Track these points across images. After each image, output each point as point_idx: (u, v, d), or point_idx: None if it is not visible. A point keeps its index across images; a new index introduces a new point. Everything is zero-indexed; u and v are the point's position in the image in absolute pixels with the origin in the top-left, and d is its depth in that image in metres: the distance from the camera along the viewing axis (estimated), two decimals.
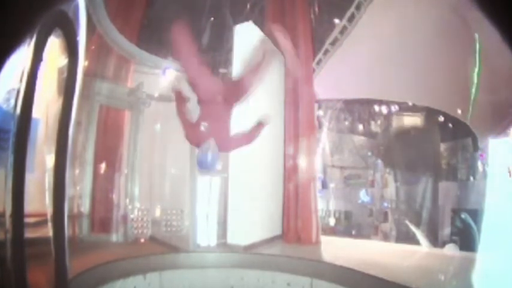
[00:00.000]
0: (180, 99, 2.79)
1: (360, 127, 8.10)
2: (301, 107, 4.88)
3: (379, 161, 7.81)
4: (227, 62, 5.61)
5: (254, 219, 4.29)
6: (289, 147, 4.92)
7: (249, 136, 2.84)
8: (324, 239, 4.94)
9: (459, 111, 5.52)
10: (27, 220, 2.10)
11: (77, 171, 4.02)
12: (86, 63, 3.33)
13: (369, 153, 8.16)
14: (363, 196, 7.83)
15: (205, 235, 4.16)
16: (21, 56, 1.92)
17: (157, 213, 4.85)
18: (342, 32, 5.15)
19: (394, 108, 7.82)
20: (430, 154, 7.47)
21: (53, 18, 2.05)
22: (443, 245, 5.63)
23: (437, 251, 5.27)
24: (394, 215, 7.33)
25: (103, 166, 4.32)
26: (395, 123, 7.98)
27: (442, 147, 7.52)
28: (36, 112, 2.40)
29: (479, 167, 5.87)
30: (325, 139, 7.36)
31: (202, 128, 2.55)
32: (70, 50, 2.37)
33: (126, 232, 4.37)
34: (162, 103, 5.33)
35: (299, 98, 4.87)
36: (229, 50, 4.96)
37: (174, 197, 4.96)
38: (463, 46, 4.23)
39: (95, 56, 4.09)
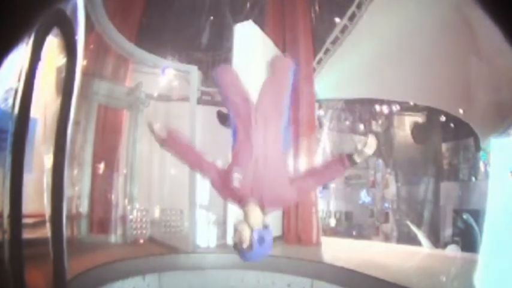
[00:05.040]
0: (175, 140, 1.75)
1: (361, 127, 8.07)
2: (301, 106, 4.86)
3: (380, 161, 7.78)
4: (227, 61, 5.59)
5: None
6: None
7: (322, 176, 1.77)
8: (325, 240, 4.91)
9: (461, 111, 5.49)
10: (25, 221, 2.09)
11: (76, 171, 4.00)
12: (84, 62, 3.30)
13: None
14: (364, 196, 7.80)
15: (205, 236, 4.14)
16: (20, 56, 1.91)
17: (157, 213, 4.84)
18: (342, 31, 5.11)
19: (395, 107, 7.78)
20: (432, 154, 7.44)
21: (52, 17, 2.03)
22: (444, 245, 5.60)
23: (438, 251, 5.24)
24: (395, 216, 7.30)
25: (102, 166, 4.30)
26: (396, 123, 7.95)
27: (444, 147, 7.48)
28: (35, 112, 2.38)
29: (481, 167, 5.84)
30: (325, 139, 7.33)
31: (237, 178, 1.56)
32: (68, 49, 2.35)
33: (125, 233, 4.35)
34: (161, 103, 5.31)
35: (299, 98, 4.85)
36: (229, 49, 4.93)
37: (173, 197, 4.94)
38: (464, 45, 4.20)
39: (93, 56, 4.07)
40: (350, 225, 7.56)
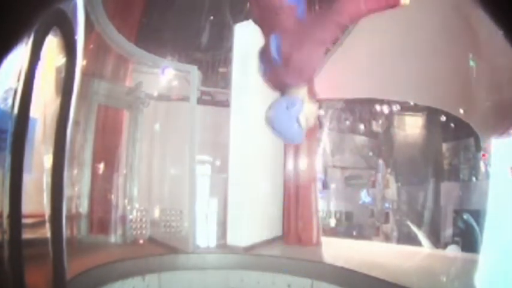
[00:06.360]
0: None
1: (361, 127, 8.05)
2: None
3: (381, 161, 7.77)
4: (226, 61, 5.58)
5: (254, 220, 4.26)
6: (290, 147, 4.89)
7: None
8: (325, 240, 4.91)
9: (461, 111, 5.48)
10: (25, 221, 2.09)
11: (75, 171, 4.00)
12: (84, 62, 3.31)
13: (370, 154, 8.11)
14: (364, 197, 7.78)
15: (205, 236, 4.14)
16: (19, 55, 1.90)
17: (156, 213, 4.84)
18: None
19: (396, 107, 7.77)
20: (432, 154, 7.43)
21: (51, 17, 2.02)
22: (445, 246, 5.59)
23: (439, 252, 5.23)
24: (395, 216, 7.28)
25: (101, 166, 4.29)
26: (396, 123, 7.93)
27: (444, 147, 7.47)
28: (34, 112, 2.38)
29: (482, 167, 5.82)
30: (325, 139, 7.31)
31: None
32: (68, 49, 2.35)
33: (124, 233, 4.34)
34: (161, 103, 5.31)
35: None
36: (229, 49, 4.93)
37: (173, 197, 4.94)
38: (465, 45, 4.20)
39: (93, 55, 4.07)
40: (350, 226, 7.55)
